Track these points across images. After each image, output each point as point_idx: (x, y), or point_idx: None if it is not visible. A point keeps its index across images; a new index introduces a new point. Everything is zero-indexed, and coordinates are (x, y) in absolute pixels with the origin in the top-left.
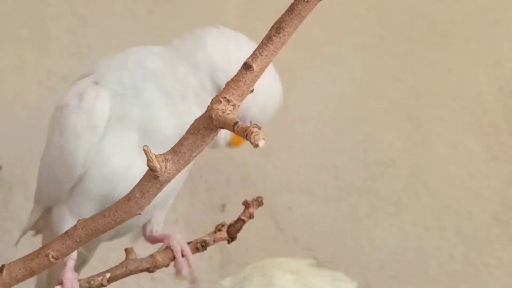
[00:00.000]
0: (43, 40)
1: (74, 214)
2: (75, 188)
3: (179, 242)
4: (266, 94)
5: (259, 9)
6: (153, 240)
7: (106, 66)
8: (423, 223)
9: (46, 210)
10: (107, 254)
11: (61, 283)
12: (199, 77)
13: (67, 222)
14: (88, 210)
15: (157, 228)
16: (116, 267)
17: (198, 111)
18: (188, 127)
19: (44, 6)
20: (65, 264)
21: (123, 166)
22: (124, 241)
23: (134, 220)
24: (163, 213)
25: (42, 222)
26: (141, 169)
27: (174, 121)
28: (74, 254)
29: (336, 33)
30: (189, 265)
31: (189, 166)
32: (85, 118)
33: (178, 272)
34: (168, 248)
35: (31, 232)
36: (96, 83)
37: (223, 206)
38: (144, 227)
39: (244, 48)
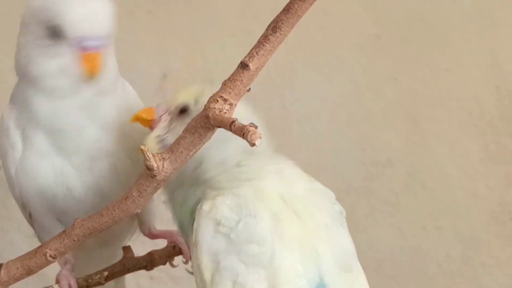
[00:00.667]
0: None
1: (43, 232)
2: (27, 206)
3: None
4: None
5: (256, 10)
6: (153, 236)
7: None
8: (420, 222)
9: None
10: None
11: (58, 282)
12: (31, 30)
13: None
14: (48, 225)
15: (154, 223)
16: (114, 265)
17: (44, 62)
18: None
19: None
20: (61, 266)
21: (48, 170)
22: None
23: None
24: (152, 207)
25: None
26: (64, 167)
27: (45, 101)
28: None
29: (334, 33)
30: None
31: None
32: (5, 138)
33: (187, 261)
34: (167, 245)
35: (30, 232)
36: (11, 101)
37: None
38: (140, 226)
39: None
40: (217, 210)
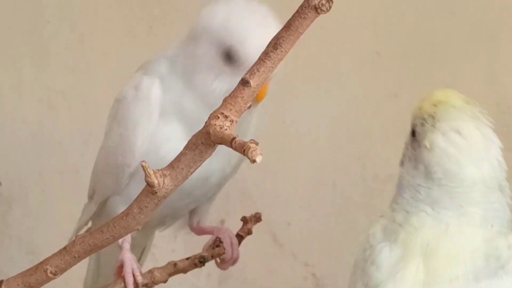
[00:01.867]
0: (42, 57)
1: (127, 202)
2: (133, 176)
3: (230, 235)
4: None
5: None
6: (200, 231)
7: (152, 60)
8: None
9: (100, 206)
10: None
11: (121, 264)
12: (203, 45)
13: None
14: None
15: (204, 220)
16: (115, 282)
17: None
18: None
19: (43, 23)
20: (121, 248)
21: (171, 155)
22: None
23: (182, 207)
24: (211, 205)
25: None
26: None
27: (198, 107)
28: (128, 237)
29: (334, 50)
30: (234, 259)
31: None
32: (142, 106)
33: (222, 262)
34: (168, 263)
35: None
36: (146, 74)
37: (222, 222)
38: (190, 218)
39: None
40: None
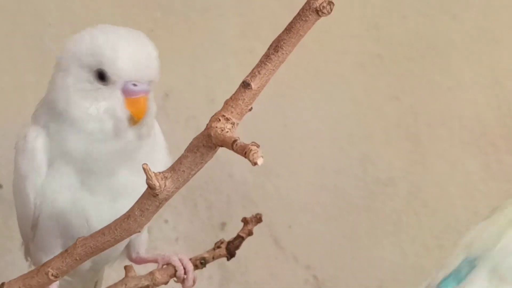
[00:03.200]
0: (43, 59)
1: (42, 251)
2: (36, 227)
3: (181, 258)
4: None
5: (258, 30)
6: (141, 261)
7: (39, 105)
8: (422, 241)
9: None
10: (108, 273)
11: None
12: (73, 72)
13: (39, 258)
14: (53, 246)
15: (143, 249)
16: (115, 284)
17: (89, 105)
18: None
19: (44, 25)
20: None
21: (68, 205)
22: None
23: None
24: (146, 234)
25: None
26: (86, 204)
27: (79, 140)
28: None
29: (335, 52)
30: (191, 281)
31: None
32: (28, 160)
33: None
34: (169, 265)
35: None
36: (34, 123)
37: (223, 224)
38: (128, 250)
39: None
40: None
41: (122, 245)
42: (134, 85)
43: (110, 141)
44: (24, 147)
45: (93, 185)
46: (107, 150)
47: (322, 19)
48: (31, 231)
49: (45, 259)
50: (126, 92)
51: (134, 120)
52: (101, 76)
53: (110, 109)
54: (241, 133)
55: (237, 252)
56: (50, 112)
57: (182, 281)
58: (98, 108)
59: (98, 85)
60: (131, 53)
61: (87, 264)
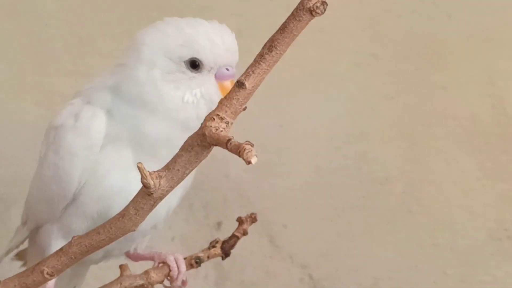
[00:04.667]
0: (40, 59)
1: (64, 233)
2: (69, 206)
3: (174, 254)
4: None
5: (253, 29)
6: (137, 257)
7: (93, 88)
8: (417, 240)
9: (33, 231)
10: (103, 272)
11: None
12: (159, 65)
13: (57, 241)
14: (80, 228)
15: (141, 245)
16: (111, 283)
17: (183, 93)
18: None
19: (41, 25)
20: None
21: (118, 185)
22: (120, 258)
23: (124, 243)
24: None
25: (28, 243)
26: (136, 187)
27: (163, 128)
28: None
29: (331, 52)
30: (180, 282)
31: (186, 184)
32: (82, 138)
33: (171, 282)
34: (164, 264)
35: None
36: (88, 103)
37: (219, 224)
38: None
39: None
40: None
41: (127, 245)
42: (227, 69)
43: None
44: (76, 125)
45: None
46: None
47: (318, 18)
48: (61, 211)
49: (61, 243)
50: (219, 77)
51: None
52: (194, 65)
53: (207, 94)
54: (236, 132)
55: (233, 251)
56: (118, 98)
57: (173, 281)
58: (195, 95)
59: (191, 74)
60: (223, 40)
61: (100, 253)
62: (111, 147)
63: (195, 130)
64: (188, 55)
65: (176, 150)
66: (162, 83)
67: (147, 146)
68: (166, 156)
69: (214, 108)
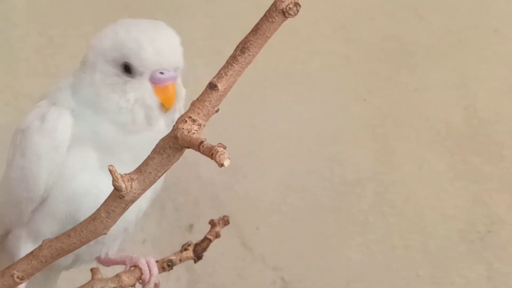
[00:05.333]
0: (10, 60)
1: (33, 237)
2: (37, 210)
3: (145, 257)
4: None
5: (225, 30)
6: (109, 262)
7: (58, 89)
8: (389, 242)
9: (2, 236)
10: (74, 275)
11: None
12: (99, 68)
13: (26, 245)
14: (49, 232)
15: (112, 250)
16: (82, 286)
17: (119, 98)
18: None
19: (11, 26)
20: None
21: (85, 186)
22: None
23: (94, 247)
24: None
25: None
26: (104, 188)
27: (111, 131)
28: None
29: (303, 53)
30: (156, 285)
31: (157, 186)
32: (48, 139)
33: (142, 285)
34: (136, 267)
35: None
36: (54, 104)
37: (191, 226)
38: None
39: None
40: None
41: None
42: (161, 73)
43: (142, 132)
44: (42, 127)
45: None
46: (139, 140)
47: (291, 20)
48: (29, 214)
49: (32, 246)
50: (154, 81)
51: (165, 107)
52: (128, 69)
53: (140, 99)
54: (209, 134)
55: (205, 253)
56: (78, 98)
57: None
58: (128, 100)
59: (125, 78)
60: (153, 43)
61: (63, 263)
62: (77, 148)
63: (141, 133)
64: (121, 59)
65: (135, 153)
66: (101, 87)
67: (105, 148)
68: (127, 158)
69: (151, 112)
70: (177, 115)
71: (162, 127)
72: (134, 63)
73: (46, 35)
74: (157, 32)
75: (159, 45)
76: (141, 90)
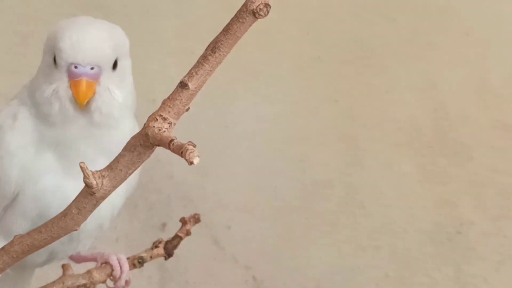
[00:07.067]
0: None
1: (5, 234)
2: (9, 207)
3: (116, 254)
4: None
5: (196, 30)
6: (80, 259)
7: (26, 88)
8: (359, 242)
9: None
10: (45, 271)
11: None
12: (43, 59)
13: None
14: (21, 229)
15: (84, 247)
16: (53, 282)
17: (45, 88)
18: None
19: None
20: None
21: (53, 184)
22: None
23: (70, 245)
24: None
25: None
26: (70, 187)
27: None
28: None
29: (273, 54)
30: (123, 282)
31: (132, 183)
32: (19, 137)
33: (114, 282)
34: (107, 264)
35: None
36: (24, 103)
37: (164, 225)
38: None
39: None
40: None
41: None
42: (76, 67)
43: (68, 126)
44: (14, 125)
45: (73, 170)
46: (71, 135)
47: (261, 21)
48: (0, 212)
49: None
50: (69, 75)
51: (78, 103)
52: (55, 60)
53: (55, 90)
54: (180, 134)
55: (177, 252)
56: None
57: (116, 281)
58: (48, 90)
59: (52, 69)
60: (72, 37)
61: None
62: (45, 146)
63: (69, 128)
64: (51, 50)
65: (71, 149)
66: (38, 76)
67: (60, 144)
68: (78, 155)
69: (64, 105)
70: (98, 116)
71: (82, 124)
72: (55, 53)
73: (19, 33)
74: (84, 27)
75: (77, 39)
76: (58, 82)
